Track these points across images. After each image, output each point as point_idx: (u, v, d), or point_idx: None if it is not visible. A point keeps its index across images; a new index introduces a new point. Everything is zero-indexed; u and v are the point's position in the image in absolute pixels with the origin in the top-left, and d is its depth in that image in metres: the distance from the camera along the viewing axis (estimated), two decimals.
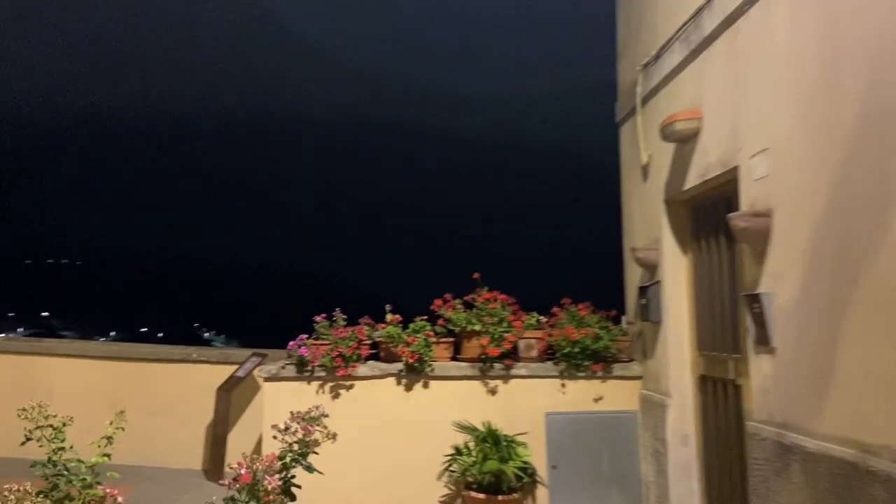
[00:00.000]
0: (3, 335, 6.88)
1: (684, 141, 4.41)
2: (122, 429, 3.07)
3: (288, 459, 2.81)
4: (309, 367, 5.35)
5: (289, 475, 2.78)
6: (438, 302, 5.57)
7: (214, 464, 5.95)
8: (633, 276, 5.61)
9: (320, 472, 3.00)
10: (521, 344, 5.52)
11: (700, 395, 4.73)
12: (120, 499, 3.06)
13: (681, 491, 4.77)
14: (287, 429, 2.87)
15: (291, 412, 2.83)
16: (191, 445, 6.28)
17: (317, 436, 2.90)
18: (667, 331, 4.90)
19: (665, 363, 4.92)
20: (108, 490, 2.95)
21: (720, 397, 4.42)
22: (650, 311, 5.00)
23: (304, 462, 2.81)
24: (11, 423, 5.96)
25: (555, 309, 5.73)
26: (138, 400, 6.53)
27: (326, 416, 2.93)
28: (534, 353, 5.52)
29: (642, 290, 5.13)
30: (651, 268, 5.12)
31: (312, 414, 2.94)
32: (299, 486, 2.84)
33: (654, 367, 5.14)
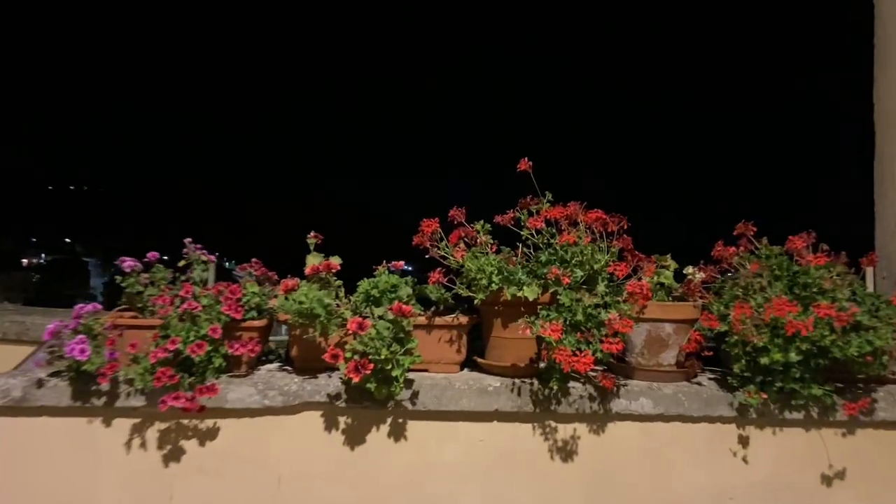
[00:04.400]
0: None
1: None
2: None
3: None
4: (100, 386, 2.11)
5: None
6: (431, 225, 2.22)
7: None
8: None
9: None
10: (640, 336, 2.20)
11: None
12: None
13: None
14: None
15: None
16: None
17: None
18: None
19: None
20: None
21: None
22: None
23: None
24: None
25: (718, 250, 2.35)
26: None
27: None
28: (669, 356, 2.22)
29: None
30: None
31: None
32: None
33: None
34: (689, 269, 2.27)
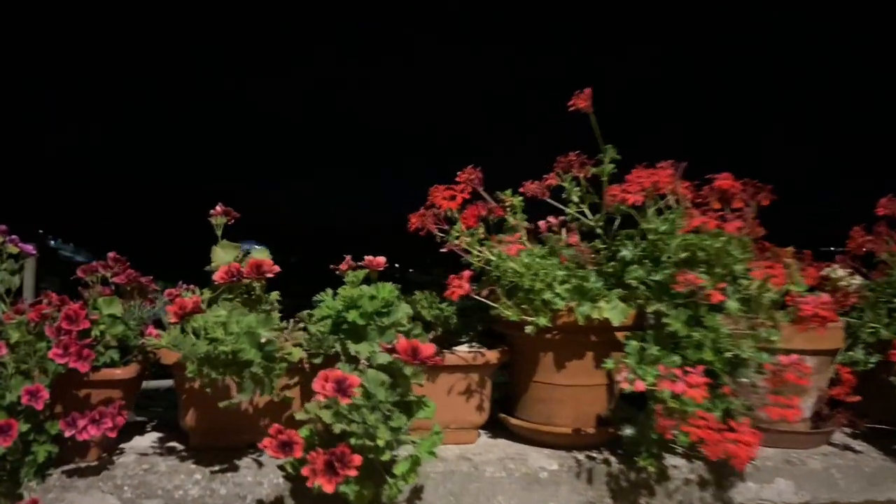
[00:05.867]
0: None
1: None
2: None
3: None
4: None
5: None
6: (444, 195, 1.30)
7: None
8: None
9: None
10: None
11: None
12: None
13: None
14: None
15: None
16: None
17: None
18: None
19: None
20: None
21: None
22: None
23: None
24: None
25: (861, 240, 1.56)
26: None
27: None
28: (805, 407, 1.43)
29: None
30: None
31: None
32: None
33: None
34: (837, 271, 1.47)
